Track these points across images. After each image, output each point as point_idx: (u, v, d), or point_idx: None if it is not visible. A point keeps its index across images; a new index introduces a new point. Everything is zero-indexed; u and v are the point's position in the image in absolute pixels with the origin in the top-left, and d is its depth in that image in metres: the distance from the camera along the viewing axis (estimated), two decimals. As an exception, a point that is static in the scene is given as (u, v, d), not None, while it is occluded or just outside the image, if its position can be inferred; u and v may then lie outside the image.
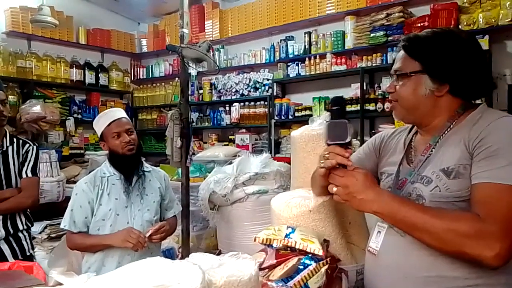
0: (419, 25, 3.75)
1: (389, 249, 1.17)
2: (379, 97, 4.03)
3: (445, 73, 1.12)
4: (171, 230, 2.15)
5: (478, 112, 1.13)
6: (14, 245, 2.18)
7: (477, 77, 1.14)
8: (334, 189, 1.08)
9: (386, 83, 3.96)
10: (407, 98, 1.17)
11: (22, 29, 4.86)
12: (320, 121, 1.96)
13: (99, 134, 2.07)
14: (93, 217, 1.98)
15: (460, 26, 3.55)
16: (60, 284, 0.77)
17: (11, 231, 2.17)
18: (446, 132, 1.15)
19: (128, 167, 2.03)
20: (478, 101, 1.20)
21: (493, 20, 3.43)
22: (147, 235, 1.91)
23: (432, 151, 1.15)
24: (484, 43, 3.33)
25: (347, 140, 1.05)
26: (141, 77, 6.28)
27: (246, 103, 5.07)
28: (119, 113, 2.09)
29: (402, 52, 1.19)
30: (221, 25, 5.26)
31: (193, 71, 2.70)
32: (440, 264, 1.06)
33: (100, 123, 2.05)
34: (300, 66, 4.63)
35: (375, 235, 1.24)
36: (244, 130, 5.06)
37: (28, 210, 2.29)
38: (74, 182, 4.11)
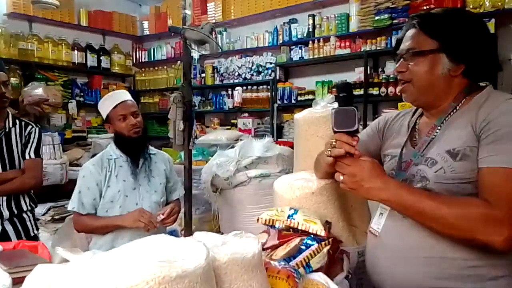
0: (424, 7, 3.68)
1: (391, 231, 1.18)
2: (383, 81, 3.99)
3: (464, 52, 1.10)
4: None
5: (484, 94, 1.12)
6: (19, 225, 2.21)
7: (489, 58, 1.13)
8: (341, 177, 1.08)
9: (390, 67, 3.92)
10: (423, 77, 1.13)
11: (23, 11, 4.80)
12: (323, 104, 1.95)
13: (104, 116, 2.06)
14: (101, 199, 1.98)
15: (466, 9, 3.49)
16: (66, 261, 0.78)
17: (15, 211, 2.20)
18: (451, 113, 1.14)
19: (135, 149, 2.04)
20: (482, 84, 1.19)
21: (500, 4, 3.38)
22: (159, 219, 1.92)
23: (437, 132, 1.15)
24: (490, 26, 3.28)
25: (355, 128, 1.04)
26: (143, 60, 6.22)
27: (249, 87, 5.04)
28: (125, 95, 2.08)
29: (414, 30, 1.15)
30: (223, 7, 5.18)
31: (195, 54, 2.68)
32: (440, 245, 1.07)
33: (105, 106, 2.04)
34: (303, 50, 4.57)
35: (377, 216, 1.24)
36: (246, 114, 5.04)
37: (32, 191, 2.31)
38: (77, 165, 4.15)
